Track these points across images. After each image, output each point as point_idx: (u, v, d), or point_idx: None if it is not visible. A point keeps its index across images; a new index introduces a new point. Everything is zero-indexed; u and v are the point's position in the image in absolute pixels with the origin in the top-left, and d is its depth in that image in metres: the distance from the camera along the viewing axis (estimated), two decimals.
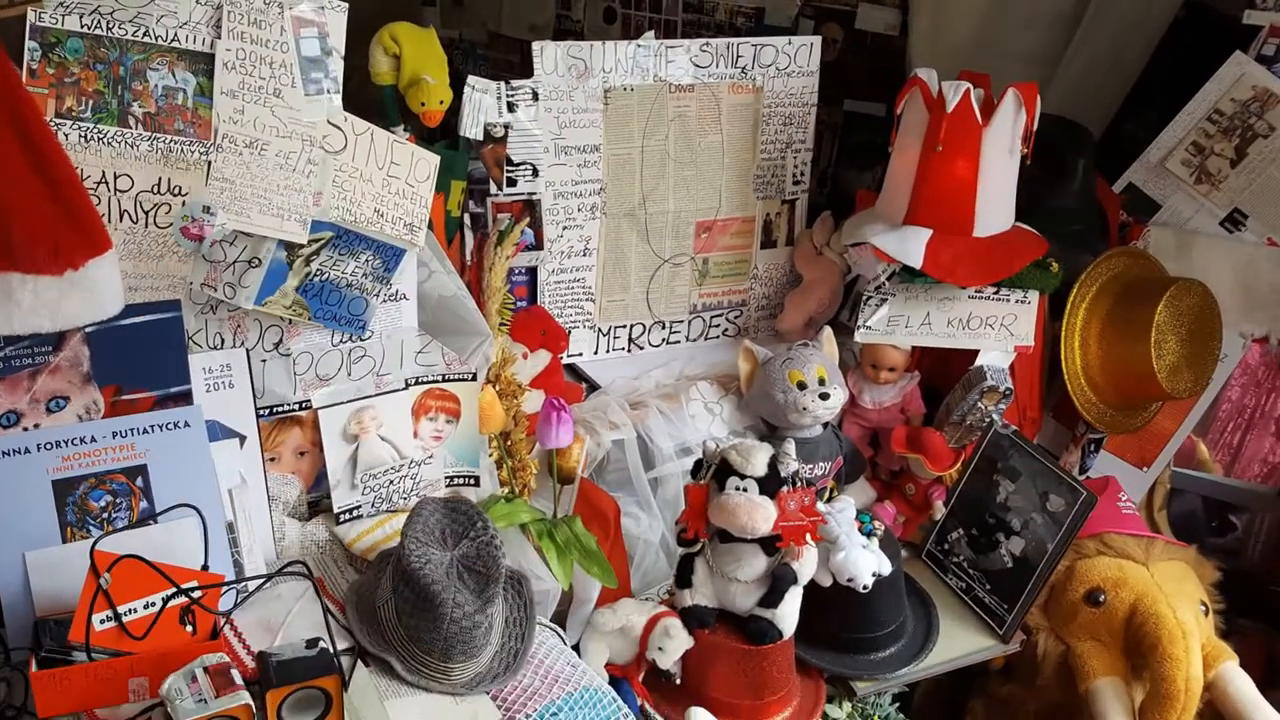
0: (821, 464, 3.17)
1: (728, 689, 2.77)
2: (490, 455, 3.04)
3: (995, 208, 3.18)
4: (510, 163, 3.20)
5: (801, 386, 3.13)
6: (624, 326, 3.65)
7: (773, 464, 2.71)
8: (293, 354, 2.67)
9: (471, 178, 3.15)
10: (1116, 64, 3.74)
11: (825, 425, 3.25)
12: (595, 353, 3.65)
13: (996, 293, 3.26)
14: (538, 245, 3.38)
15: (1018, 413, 3.35)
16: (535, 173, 3.25)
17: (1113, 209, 3.60)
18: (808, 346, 3.26)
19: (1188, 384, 3.29)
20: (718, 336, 3.81)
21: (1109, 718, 2.91)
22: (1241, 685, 2.90)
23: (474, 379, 2.93)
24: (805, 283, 3.65)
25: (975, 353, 3.25)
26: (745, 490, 2.68)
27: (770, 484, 2.69)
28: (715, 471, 2.75)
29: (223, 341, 2.59)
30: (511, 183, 3.23)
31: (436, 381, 2.90)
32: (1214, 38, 3.50)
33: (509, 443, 3.06)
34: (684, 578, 2.84)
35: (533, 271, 3.43)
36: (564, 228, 3.41)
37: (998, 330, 3.24)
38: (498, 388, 3.01)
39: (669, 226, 3.57)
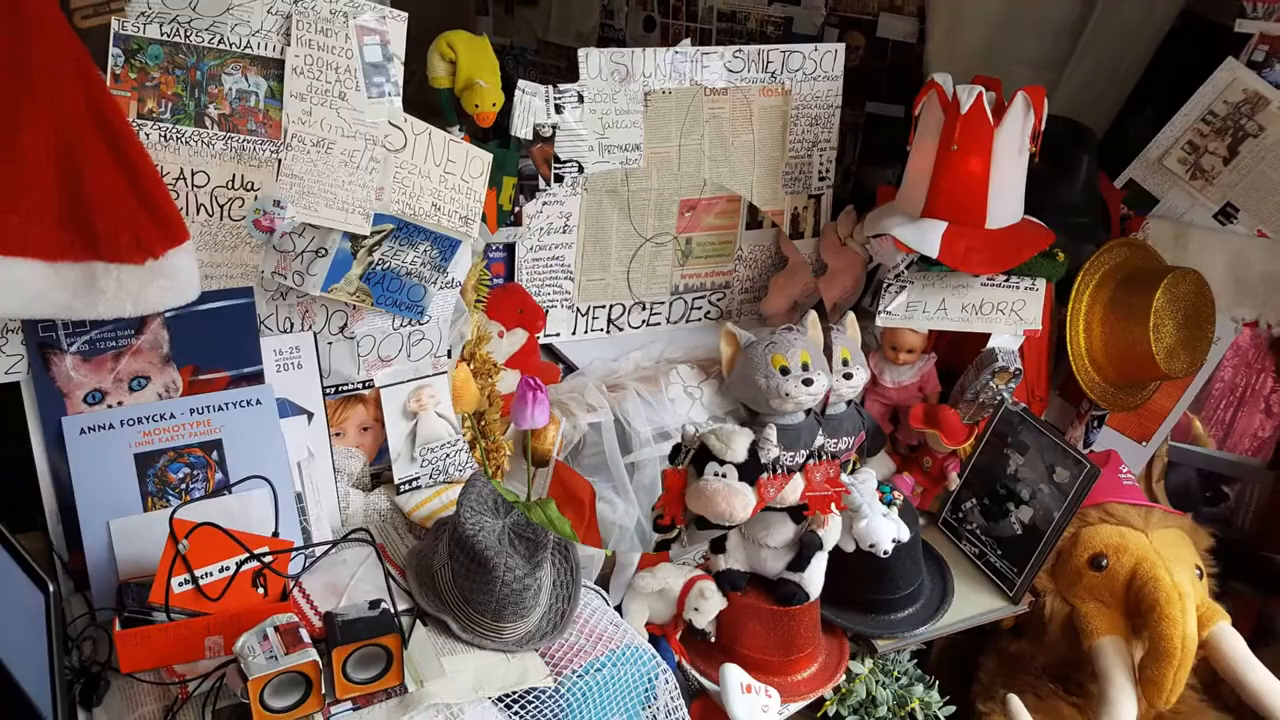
0: (845, 439, 3.07)
1: (759, 646, 2.75)
2: (464, 435, 2.90)
3: (1006, 202, 3.13)
4: (558, 160, 3.14)
5: (784, 372, 2.88)
6: (603, 307, 3.53)
7: (753, 450, 2.66)
8: (357, 337, 2.64)
9: (522, 174, 3.11)
10: (1118, 69, 3.69)
11: (849, 403, 3.11)
12: (573, 333, 3.52)
13: (1007, 280, 3.21)
14: (516, 221, 3.25)
15: (1026, 391, 3.29)
16: (580, 169, 3.20)
17: (1114, 203, 3.55)
18: (792, 331, 3.02)
19: (1184, 365, 3.24)
20: (699, 319, 3.71)
21: (1111, 673, 2.87)
22: (1234, 644, 2.88)
23: (449, 356, 2.84)
24: (830, 271, 3.57)
25: (987, 336, 3.20)
26: (724, 476, 2.64)
27: (750, 470, 2.64)
28: (694, 456, 2.71)
29: (292, 325, 2.57)
30: (559, 179, 3.17)
31: None
32: (1208, 45, 3.46)
33: (483, 423, 2.96)
34: (718, 544, 2.81)
35: (511, 248, 3.29)
36: (543, 203, 3.26)
37: (1008, 315, 3.19)
38: (472, 366, 2.91)
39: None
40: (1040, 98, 3.01)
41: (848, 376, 3.03)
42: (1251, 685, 2.84)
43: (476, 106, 2.80)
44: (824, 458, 2.73)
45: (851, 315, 3.20)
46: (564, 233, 3.35)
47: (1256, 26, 3.32)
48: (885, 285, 3.29)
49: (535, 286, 3.37)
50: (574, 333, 3.52)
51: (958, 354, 3.30)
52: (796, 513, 2.73)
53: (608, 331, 3.57)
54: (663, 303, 3.62)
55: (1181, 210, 3.47)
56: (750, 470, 2.62)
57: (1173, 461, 3.61)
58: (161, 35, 2.23)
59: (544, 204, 3.25)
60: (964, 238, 3.11)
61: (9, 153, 2.06)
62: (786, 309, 3.63)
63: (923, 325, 3.23)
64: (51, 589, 1.99)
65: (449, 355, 2.83)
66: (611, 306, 3.54)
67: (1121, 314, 3.26)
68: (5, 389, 2.30)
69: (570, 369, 3.38)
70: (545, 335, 3.44)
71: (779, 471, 2.67)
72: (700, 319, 3.70)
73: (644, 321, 3.62)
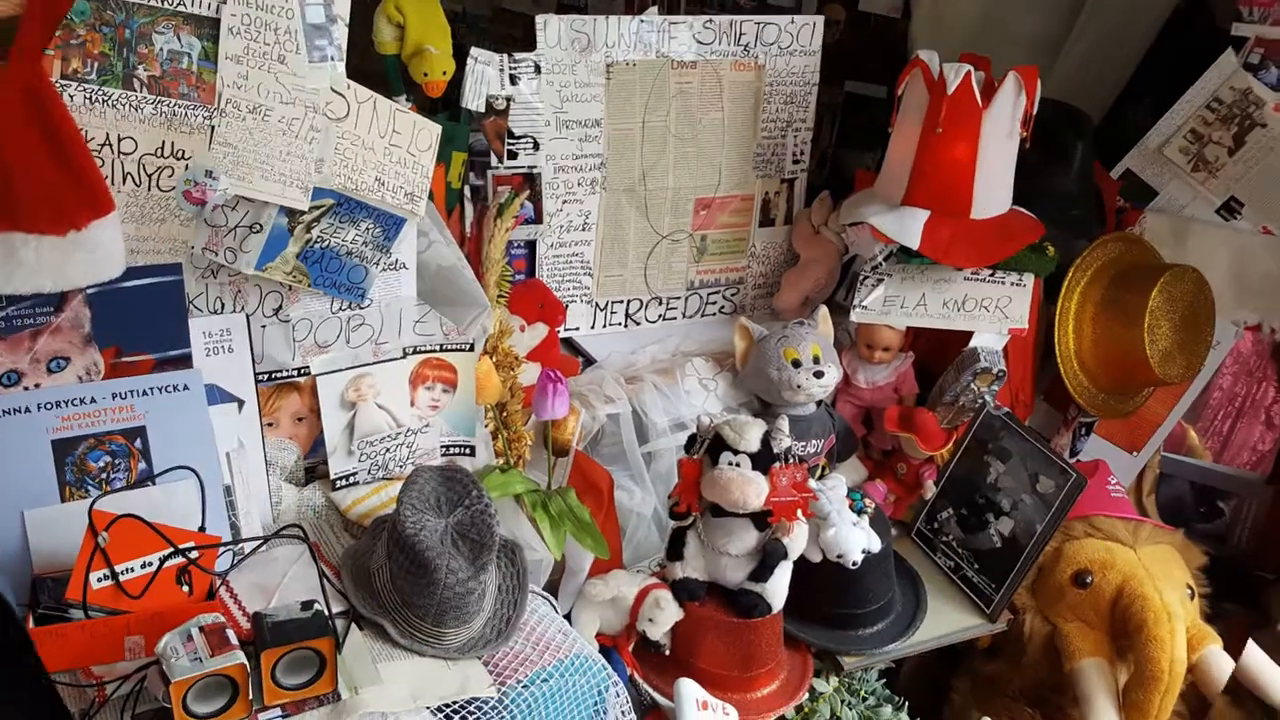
0: (814, 441, 3.17)
1: (716, 661, 2.80)
2: (486, 426, 3.03)
3: (993, 190, 3.19)
4: (512, 135, 3.20)
5: (796, 364, 3.14)
6: (621, 302, 3.64)
7: (766, 440, 2.72)
8: (292, 320, 2.68)
9: (473, 150, 3.16)
10: (1118, 50, 3.75)
11: (819, 404, 3.24)
12: (592, 327, 3.63)
13: (992, 275, 3.27)
14: (537, 219, 3.36)
15: (1010, 395, 3.36)
16: (536, 146, 3.25)
17: (1110, 194, 3.62)
18: (803, 325, 3.26)
19: (1180, 370, 3.31)
20: (714, 314, 3.81)
21: (1093, 698, 2.93)
22: (1225, 668, 2.92)
23: (471, 349, 2.92)
24: (802, 262, 3.65)
25: (969, 334, 3.26)
26: (738, 465, 2.69)
27: (763, 460, 2.70)
28: (709, 446, 2.77)
29: (223, 306, 2.60)
30: (512, 155, 3.22)
31: (434, 351, 2.90)
32: (1213, 29, 3.56)
33: (505, 414, 3.05)
34: (675, 551, 2.86)
35: (532, 245, 3.42)
36: (564, 202, 3.39)
37: (992, 312, 3.25)
38: (495, 359, 2.98)
39: (668, 203, 3.55)
40: (1033, 79, 3.07)
41: (818, 375, 3.14)
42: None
43: (425, 75, 2.85)
44: (790, 461, 2.76)
45: (824, 310, 3.29)
46: (583, 230, 3.48)
47: (1253, 30, 3.40)
48: (861, 278, 3.35)
49: (556, 282, 3.50)
50: (593, 327, 3.65)
51: (938, 353, 3.35)
52: (760, 519, 2.78)
53: (625, 326, 3.70)
54: (679, 298, 3.74)
55: (1182, 204, 3.54)
56: (763, 459, 2.70)
57: (1165, 474, 3.67)
58: None
59: (564, 202, 3.39)
60: (947, 228, 3.16)
61: None
62: (798, 304, 3.70)
63: (900, 322, 3.29)
64: None
65: (471, 349, 2.91)
66: (629, 301, 3.67)
67: (1114, 314, 3.32)
68: None
69: (589, 362, 3.52)
70: (565, 329, 3.55)
71: (790, 461, 2.75)
72: (715, 314, 3.82)
73: (660, 316, 3.74)
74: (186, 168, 2.41)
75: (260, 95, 2.43)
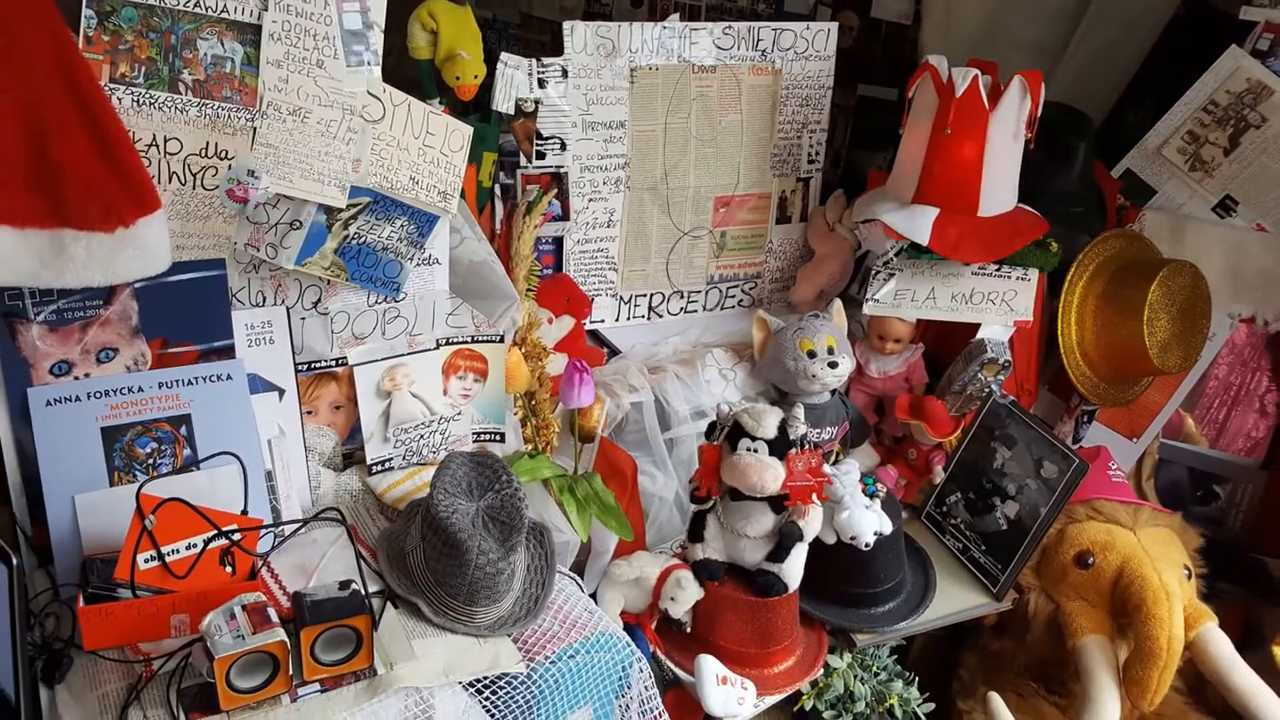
0: (829, 429, 3.15)
1: (735, 638, 2.78)
2: (515, 414, 3.03)
3: (999, 189, 3.17)
4: (540, 136, 3.18)
5: (811, 355, 3.14)
6: (644, 295, 3.64)
7: (782, 427, 2.70)
8: (330, 313, 2.66)
9: (502, 150, 3.13)
10: (1118, 55, 3.72)
11: (833, 392, 3.23)
12: (617, 319, 3.63)
13: (998, 270, 3.25)
14: (564, 216, 3.36)
15: (1016, 384, 3.33)
16: (563, 147, 3.24)
17: (1111, 193, 3.58)
18: (818, 317, 3.25)
19: (1177, 360, 3.28)
20: (733, 306, 3.80)
21: (1095, 673, 2.90)
22: (1221, 645, 2.90)
23: (501, 341, 2.92)
24: (817, 257, 3.63)
25: (976, 326, 3.23)
26: (756, 451, 2.68)
27: (779, 446, 2.69)
28: (728, 433, 2.75)
29: (264, 299, 2.58)
30: (540, 156, 3.21)
31: (466, 342, 2.90)
32: (1211, 32, 3.48)
33: (533, 402, 3.05)
34: (696, 533, 2.85)
35: (559, 241, 3.41)
36: (589, 200, 3.38)
37: (998, 305, 3.23)
38: (524, 350, 3.00)
39: (689, 201, 3.54)
40: (1037, 83, 3.04)
41: (833, 365, 3.13)
42: (1237, 688, 2.85)
43: (457, 79, 2.82)
44: (806, 447, 2.74)
45: (838, 303, 3.28)
46: (608, 227, 3.48)
47: (1262, 14, 3.35)
48: (873, 273, 3.33)
49: (582, 276, 3.49)
50: (617, 319, 3.64)
51: (946, 344, 3.33)
52: (777, 503, 2.75)
53: (648, 318, 3.69)
54: (699, 291, 3.73)
55: (1180, 202, 3.50)
56: (780, 446, 2.69)
57: (1164, 459, 3.64)
58: None
59: (590, 200, 3.39)
60: (955, 225, 3.14)
61: None
62: (813, 297, 3.70)
63: (911, 314, 3.27)
64: (14, 563, 1.98)
65: (501, 340, 2.92)
66: (652, 295, 3.66)
67: (1115, 307, 3.29)
68: None
69: (614, 352, 3.52)
70: (591, 321, 3.56)
71: (806, 447, 2.73)
72: (734, 306, 3.82)
73: (682, 309, 3.74)
74: (229, 167, 2.40)
75: (300, 98, 2.40)
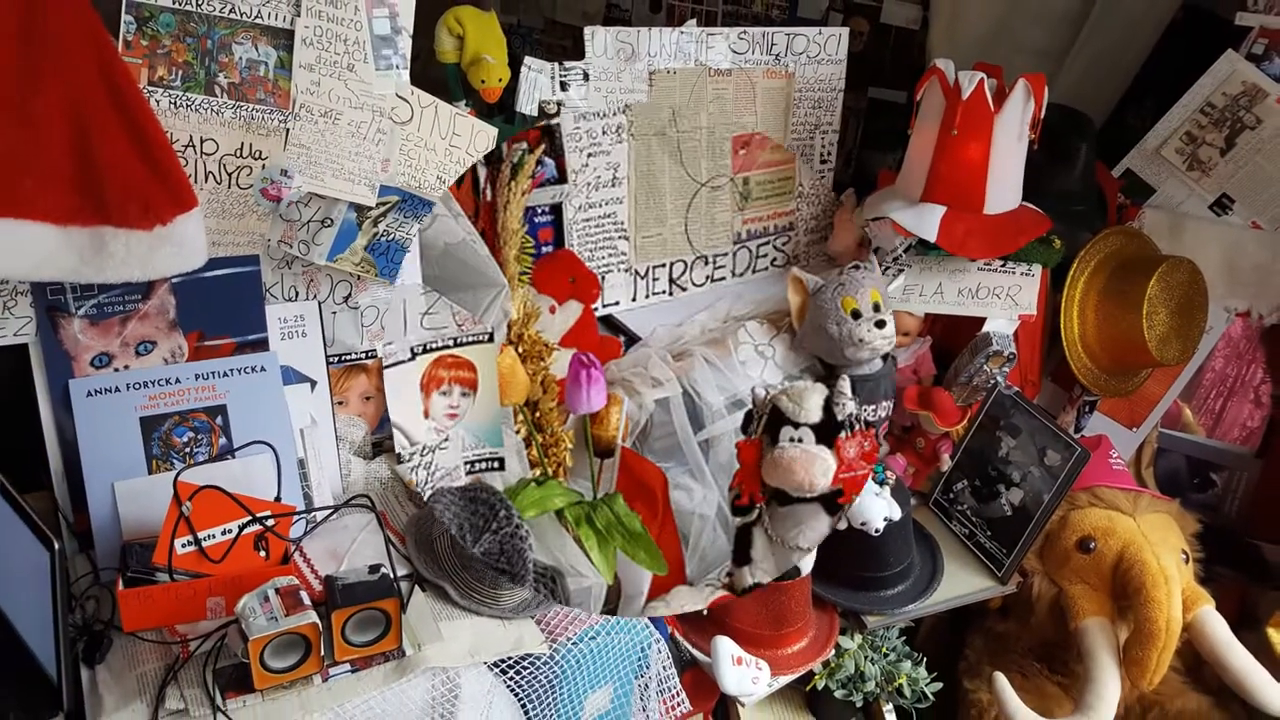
0: (884, 403, 3.03)
1: (750, 620, 2.73)
2: (516, 431, 2.76)
3: (1004, 188, 3.15)
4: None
5: (856, 315, 2.91)
6: (663, 266, 3.36)
7: (828, 407, 2.45)
8: (360, 307, 2.62)
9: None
10: (1119, 59, 3.70)
11: (885, 358, 3.07)
12: (633, 299, 3.32)
13: (1003, 265, 3.23)
14: (560, 178, 3.07)
15: (1020, 375, 3.30)
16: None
17: (1111, 191, 3.55)
18: (859, 269, 3.01)
19: (1176, 352, 3.25)
20: (765, 268, 3.57)
21: (1096, 654, 2.87)
22: (1217, 627, 2.89)
23: (490, 339, 2.70)
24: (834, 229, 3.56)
25: (982, 320, 3.21)
26: (800, 441, 2.44)
27: (827, 430, 2.43)
28: (767, 423, 2.52)
29: (297, 294, 2.55)
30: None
31: (447, 347, 2.69)
32: (1208, 37, 3.47)
33: (537, 414, 2.78)
34: (742, 553, 2.62)
35: (557, 210, 3.11)
36: (588, 155, 3.11)
37: (1003, 300, 3.21)
38: (520, 349, 2.74)
39: (704, 144, 3.33)
40: (1040, 86, 3.02)
41: (880, 324, 2.92)
42: (1233, 668, 2.84)
43: (483, 82, 2.81)
44: (857, 428, 2.48)
45: (873, 256, 3.20)
46: (613, 186, 3.19)
47: (1257, 20, 3.33)
48: (884, 269, 3.28)
49: (588, 251, 3.19)
50: (634, 299, 3.33)
51: (953, 337, 3.30)
52: (831, 501, 2.50)
53: (670, 293, 3.41)
54: (725, 254, 3.49)
55: (1178, 200, 3.47)
56: (827, 430, 2.43)
57: (1162, 448, 3.61)
58: (173, 3, 2.22)
59: (589, 156, 3.11)
60: (962, 222, 3.12)
61: (22, 118, 2.06)
62: (854, 244, 3.46)
63: (919, 308, 3.24)
64: (56, 547, 1.97)
65: (490, 339, 2.72)
66: (672, 264, 3.39)
67: (1115, 301, 3.26)
68: (14, 351, 2.30)
69: (632, 340, 3.21)
70: (603, 305, 3.26)
71: (857, 428, 2.46)
72: (766, 268, 3.58)
73: (708, 278, 3.47)
74: (263, 167, 2.38)
75: (331, 100, 2.38)
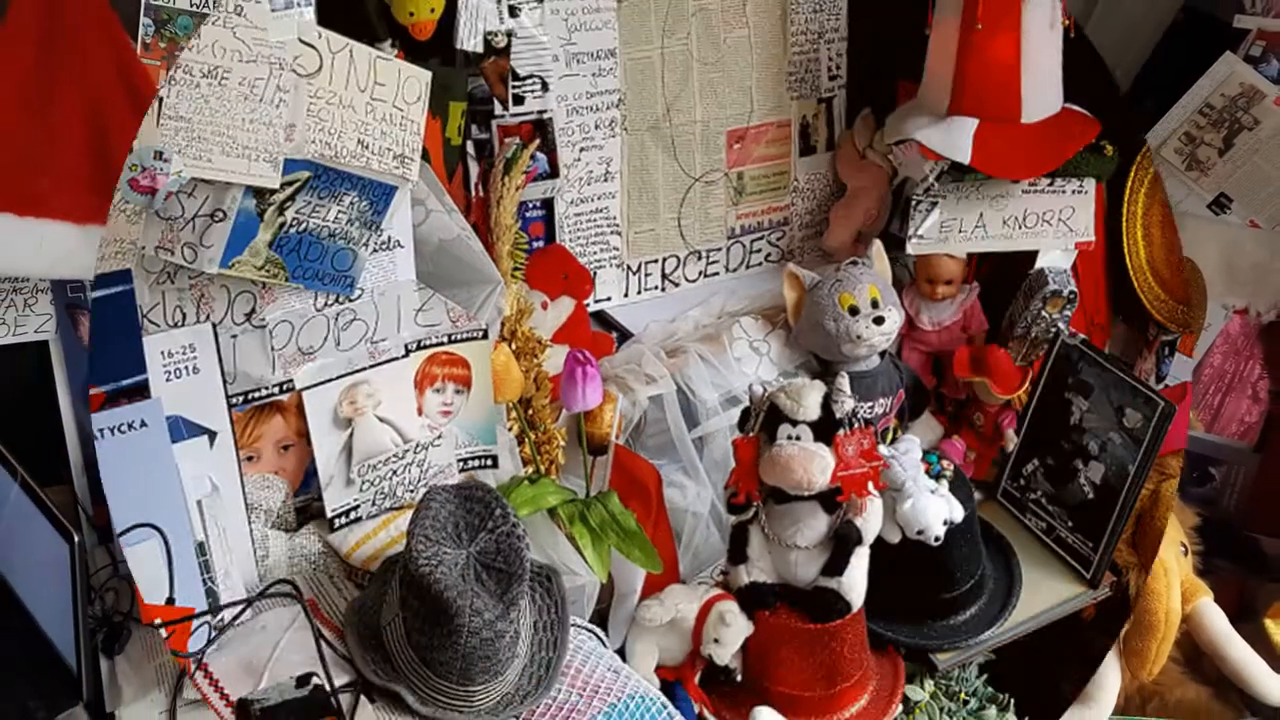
0: (882, 400, 2.93)
1: (796, 680, 2.53)
2: (509, 429, 2.77)
3: (1043, 88, 2.96)
4: (516, 77, 2.96)
5: (854, 312, 2.91)
6: (655, 261, 3.37)
7: (827, 404, 2.46)
8: (269, 325, 2.41)
9: (473, 98, 2.92)
10: (1119, 61, 3.56)
11: (883, 355, 3.07)
12: (625, 295, 3.36)
13: (1050, 184, 3.05)
14: (552, 173, 3.08)
15: (1085, 319, 3.14)
16: (545, 87, 3.02)
17: None
18: (857, 265, 3.04)
19: None
20: (760, 264, 3.55)
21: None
22: (1215, 618, 3.03)
23: (485, 337, 2.66)
24: (849, 192, 3.43)
25: (1033, 256, 3.02)
26: (798, 439, 2.43)
27: (825, 427, 2.45)
28: (764, 420, 2.50)
29: (184, 317, 2.32)
30: (519, 100, 2.99)
31: (441, 344, 2.62)
32: (1207, 39, 3.45)
33: (530, 411, 2.79)
34: (738, 552, 2.59)
35: (549, 205, 3.13)
36: (581, 149, 3.13)
37: (1055, 226, 3.05)
38: (514, 345, 2.74)
39: (698, 139, 3.31)
40: None
41: (878, 321, 2.91)
42: (1232, 659, 2.99)
43: (411, 14, 2.66)
44: (855, 425, 2.48)
45: (878, 245, 3.12)
46: (605, 181, 3.21)
47: (1255, 22, 3.34)
48: (914, 204, 3.12)
49: (580, 246, 3.23)
50: (626, 294, 3.37)
51: (1001, 281, 3.12)
52: (830, 501, 2.49)
53: (663, 289, 3.42)
54: (719, 249, 3.47)
55: (1177, 200, 3.44)
56: (825, 427, 2.44)
57: None
58: (191, 6, 2.24)
59: (581, 150, 3.13)
60: (999, 136, 2.94)
61: (42, 118, 2.16)
62: (850, 240, 3.48)
63: (961, 248, 3.09)
64: (76, 540, 2.08)
65: (485, 336, 2.66)
66: (665, 260, 3.39)
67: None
68: (35, 347, 2.43)
69: (625, 336, 3.26)
70: (595, 300, 3.31)
71: (855, 425, 2.49)
72: (760, 264, 3.57)
73: (701, 273, 3.47)
74: (131, 151, 2.15)
75: (215, 55, 2.16)
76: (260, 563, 2.47)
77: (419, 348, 2.59)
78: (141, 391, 2.23)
